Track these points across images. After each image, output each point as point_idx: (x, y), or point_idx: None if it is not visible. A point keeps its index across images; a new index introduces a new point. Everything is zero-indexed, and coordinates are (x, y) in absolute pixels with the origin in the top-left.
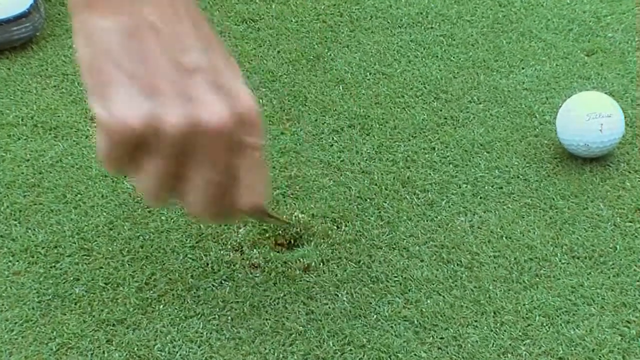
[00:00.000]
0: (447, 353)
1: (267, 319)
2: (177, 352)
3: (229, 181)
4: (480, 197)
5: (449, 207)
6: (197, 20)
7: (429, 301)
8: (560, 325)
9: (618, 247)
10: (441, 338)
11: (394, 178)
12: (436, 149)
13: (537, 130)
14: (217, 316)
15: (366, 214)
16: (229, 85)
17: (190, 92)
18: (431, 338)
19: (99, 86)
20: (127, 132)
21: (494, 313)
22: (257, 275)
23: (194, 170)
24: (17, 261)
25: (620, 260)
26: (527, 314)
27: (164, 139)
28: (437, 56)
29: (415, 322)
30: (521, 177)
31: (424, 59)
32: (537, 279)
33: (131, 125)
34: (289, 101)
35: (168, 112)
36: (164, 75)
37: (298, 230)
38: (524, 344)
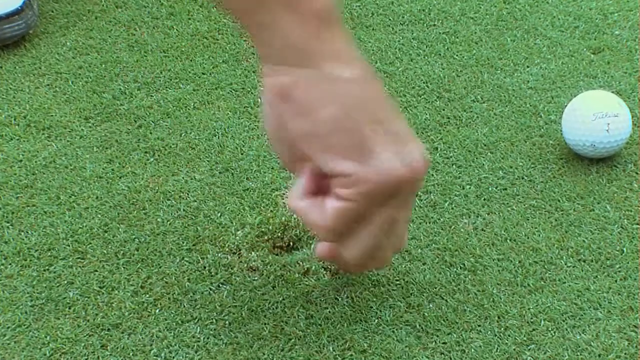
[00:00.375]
0: (450, 358)
1: (265, 324)
2: (173, 358)
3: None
4: (484, 199)
5: (452, 208)
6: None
7: (431, 305)
8: (566, 330)
9: (625, 249)
10: (444, 343)
11: None
12: (439, 149)
13: (542, 130)
14: (214, 321)
15: None
16: (408, 145)
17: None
18: (434, 343)
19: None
20: (413, 179)
21: (498, 317)
22: (256, 278)
23: (376, 217)
24: (10, 264)
25: (628, 263)
26: (532, 319)
27: (410, 186)
28: (440, 54)
29: (418, 326)
30: (526, 178)
31: (426, 57)
32: (543, 283)
33: (420, 171)
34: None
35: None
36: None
37: (297, 232)
38: (529, 349)
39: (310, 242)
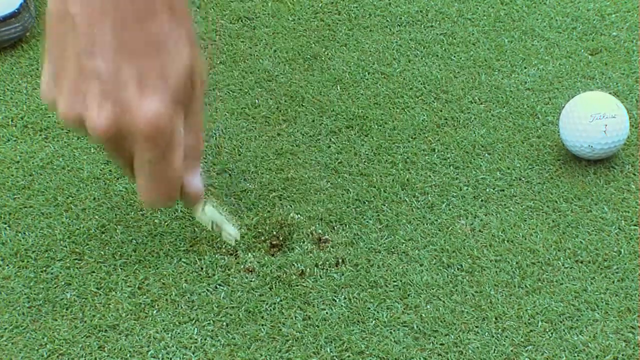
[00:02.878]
0: (448, 359)
1: (263, 325)
2: (170, 359)
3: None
4: (482, 200)
5: (450, 210)
6: (140, 19)
7: (428, 306)
8: (564, 331)
9: (623, 251)
10: (441, 344)
11: (393, 180)
12: (436, 150)
13: (539, 131)
14: (211, 322)
15: (364, 217)
16: (126, 98)
17: (82, 94)
18: (431, 344)
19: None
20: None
21: (496, 319)
22: (253, 279)
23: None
24: (7, 265)
25: (625, 264)
26: (529, 320)
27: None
28: (438, 55)
29: (415, 327)
30: (523, 179)
31: (423, 58)
32: (540, 284)
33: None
34: (285, 101)
35: (61, 107)
36: (67, 71)
37: (292, 230)
38: (526, 350)
39: (308, 243)
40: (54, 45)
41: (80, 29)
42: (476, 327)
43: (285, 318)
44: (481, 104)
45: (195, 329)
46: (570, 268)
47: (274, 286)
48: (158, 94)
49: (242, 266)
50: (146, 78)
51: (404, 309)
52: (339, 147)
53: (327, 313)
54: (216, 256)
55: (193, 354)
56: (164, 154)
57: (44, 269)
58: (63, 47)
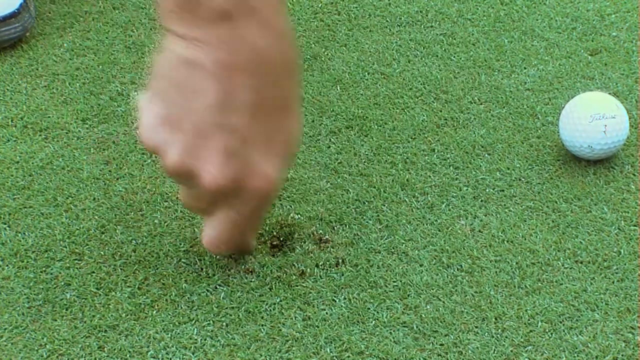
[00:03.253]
0: (447, 359)
1: (262, 325)
2: (170, 359)
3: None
4: (482, 200)
5: (449, 210)
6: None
7: (428, 307)
8: (563, 331)
9: (622, 251)
10: (441, 344)
11: (392, 180)
12: (436, 150)
13: (539, 131)
14: (211, 322)
15: (364, 217)
16: (251, 159)
17: (203, 147)
18: (431, 344)
19: None
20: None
21: (496, 319)
22: (253, 280)
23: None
24: (7, 266)
25: (625, 264)
26: (529, 320)
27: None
28: (437, 55)
29: (415, 328)
30: (523, 179)
31: (423, 59)
32: (540, 284)
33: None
34: None
35: (173, 155)
36: (189, 121)
37: (293, 230)
38: (526, 351)
39: (308, 243)
40: (171, 89)
41: (217, 81)
42: (476, 327)
43: (285, 318)
44: (481, 104)
45: (195, 329)
46: (570, 268)
47: (273, 286)
48: (279, 158)
49: (242, 267)
50: (273, 141)
51: (404, 309)
52: (338, 147)
53: (327, 313)
54: (216, 257)
55: (193, 354)
56: (260, 211)
57: (44, 269)
58: (186, 94)
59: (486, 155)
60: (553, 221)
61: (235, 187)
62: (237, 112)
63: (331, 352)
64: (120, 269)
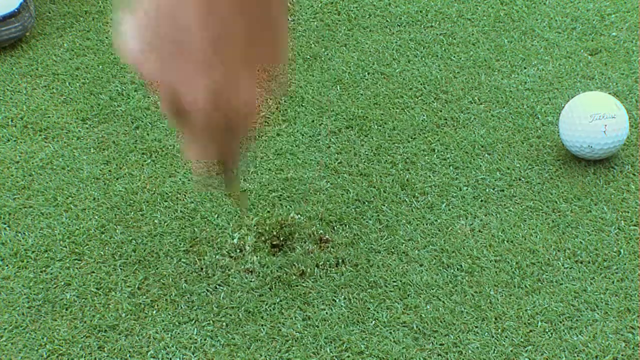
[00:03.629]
0: (447, 359)
1: (262, 325)
2: (170, 359)
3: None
4: (481, 200)
5: (449, 210)
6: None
7: (428, 307)
8: (563, 331)
9: (622, 251)
10: (441, 344)
11: (392, 180)
12: (436, 150)
13: (539, 131)
14: (211, 322)
15: (364, 217)
16: (233, 75)
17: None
18: (431, 344)
19: None
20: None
21: (495, 319)
22: (253, 280)
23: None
24: (7, 266)
25: (625, 264)
26: (529, 320)
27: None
28: (437, 55)
29: (415, 328)
30: (523, 179)
31: (423, 59)
32: (540, 284)
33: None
34: (285, 102)
35: (150, 70)
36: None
37: (293, 230)
38: (526, 351)
39: (308, 243)
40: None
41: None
42: (476, 327)
43: (285, 318)
44: (481, 104)
45: (195, 329)
46: (570, 268)
47: (273, 286)
48: (265, 75)
49: (242, 267)
50: (258, 55)
51: (404, 309)
52: (338, 147)
53: (326, 313)
54: (216, 257)
55: (193, 354)
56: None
57: (44, 269)
58: (168, 7)
59: (486, 155)
60: (553, 221)
61: (217, 103)
62: (220, 23)
63: (331, 352)
64: (120, 269)
